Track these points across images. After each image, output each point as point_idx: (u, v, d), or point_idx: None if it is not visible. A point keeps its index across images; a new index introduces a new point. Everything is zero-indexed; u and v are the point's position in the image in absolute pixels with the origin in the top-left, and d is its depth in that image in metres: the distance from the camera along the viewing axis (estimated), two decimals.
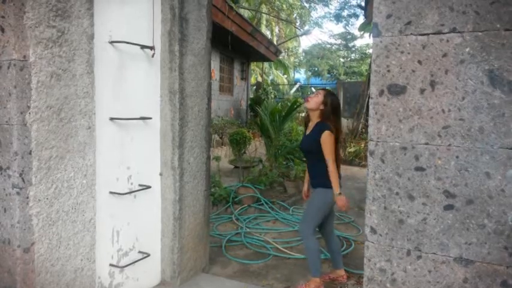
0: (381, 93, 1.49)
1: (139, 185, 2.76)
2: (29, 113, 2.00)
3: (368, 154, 1.54)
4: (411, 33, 1.43)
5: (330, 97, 2.99)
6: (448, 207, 1.41)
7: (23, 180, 1.99)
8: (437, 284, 1.43)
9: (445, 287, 1.42)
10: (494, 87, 1.32)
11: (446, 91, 1.39)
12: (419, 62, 1.43)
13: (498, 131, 1.33)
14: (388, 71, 1.47)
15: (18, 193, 1.99)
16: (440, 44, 1.39)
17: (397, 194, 1.48)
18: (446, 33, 1.38)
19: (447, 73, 1.39)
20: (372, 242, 1.53)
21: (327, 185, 2.89)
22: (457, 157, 1.39)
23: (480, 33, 1.33)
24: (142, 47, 2.68)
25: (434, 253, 1.43)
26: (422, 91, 1.43)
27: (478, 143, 1.36)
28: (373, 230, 1.53)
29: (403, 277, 1.49)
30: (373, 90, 1.51)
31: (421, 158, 1.44)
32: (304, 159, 6.61)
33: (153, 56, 2.77)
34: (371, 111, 1.51)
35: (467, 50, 1.36)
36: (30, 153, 2.01)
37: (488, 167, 1.35)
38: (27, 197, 2.01)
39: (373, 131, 1.51)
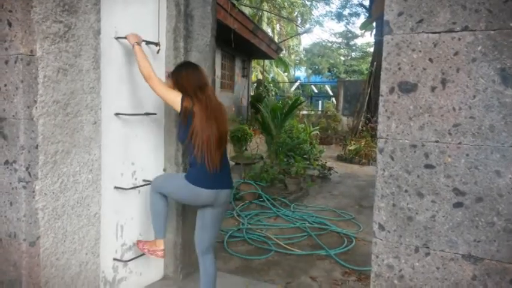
0: (391, 90, 1.49)
1: (144, 181, 2.77)
2: (36, 108, 2.00)
3: (377, 151, 1.54)
4: (423, 31, 1.43)
5: (174, 74, 2.48)
6: (458, 205, 1.41)
7: (29, 174, 2.00)
8: (445, 281, 1.44)
9: (453, 284, 1.43)
10: (506, 85, 1.33)
11: (457, 89, 1.40)
12: (431, 60, 1.43)
13: (509, 129, 1.33)
14: (399, 68, 1.48)
15: (24, 187, 1.99)
16: (452, 42, 1.40)
17: (406, 191, 1.49)
18: (458, 31, 1.38)
19: (458, 71, 1.39)
20: (380, 239, 1.54)
21: (189, 176, 2.41)
22: (467, 155, 1.40)
23: (492, 32, 1.34)
24: (148, 43, 2.68)
25: (443, 250, 1.44)
26: (433, 89, 1.43)
27: (488, 141, 1.36)
28: (382, 227, 1.54)
29: (410, 274, 1.50)
30: (383, 87, 1.51)
31: (430, 155, 1.44)
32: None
33: (158, 52, 2.76)
34: (381, 109, 1.52)
35: (479, 48, 1.36)
36: (36, 148, 2.01)
37: (498, 165, 1.35)
38: (33, 191, 2.01)
39: (382, 128, 1.52)
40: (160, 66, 2.84)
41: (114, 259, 2.59)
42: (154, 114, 2.78)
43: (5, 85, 2.00)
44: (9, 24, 1.96)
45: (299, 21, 23.45)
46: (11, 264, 2.06)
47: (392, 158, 1.51)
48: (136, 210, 2.73)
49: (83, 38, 2.20)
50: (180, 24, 2.83)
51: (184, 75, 2.40)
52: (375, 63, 11.45)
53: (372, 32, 13.17)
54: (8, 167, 2.03)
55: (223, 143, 2.44)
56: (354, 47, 28.77)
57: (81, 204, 2.26)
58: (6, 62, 1.99)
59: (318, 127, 10.63)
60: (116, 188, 2.55)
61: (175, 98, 2.36)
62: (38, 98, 2.00)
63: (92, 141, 2.30)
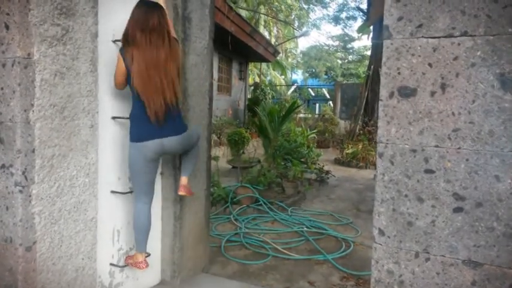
0: (391, 95, 1.49)
1: None
2: (33, 111, 1.98)
3: (377, 156, 1.54)
4: (422, 36, 1.44)
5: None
6: (457, 210, 1.41)
7: (26, 179, 1.98)
8: (445, 286, 1.43)
9: None
10: (505, 90, 1.33)
11: (457, 94, 1.40)
12: (430, 64, 1.43)
13: (508, 134, 1.33)
14: (399, 73, 1.48)
15: (20, 191, 1.97)
16: (451, 47, 1.40)
17: (406, 196, 1.48)
18: (458, 36, 1.39)
19: (458, 76, 1.39)
20: (380, 244, 1.53)
21: (131, 135, 2.42)
22: (466, 160, 1.40)
23: (492, 37, 1.34)
24: None
25: (443, 255, 1.44)
26: (432, 94, 1.43)
27: (488, 146, 1.36)
28: (382, 232, 1.53)
29: (411, 279, 1.49)
30: (383, 92, 1.51)
31: (430, 160, 1.44)
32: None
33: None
34: (380, 113, 1.52)
35: (478, 53, 1.36)
36: (33, 152, 1.99)
37: (498, 170, 1.35)
38: (30, 195, 2.00)
39: (382, 133, 1.52)
40: None
41: (111, 264, 2.57)
42: None
43: (2, 88, 1.98)
44: (7, 27, 1.95)
45: (296, 24, 23.53)
46: (7, 269, 2.04)
47: (392, 163, 1.51)
48: (133, 214, 2.71)
49: (80, 41, 2.19)
50: (178, 27, 2.82)
51: (130, 18, 2.33)
52: (372, 66, 11.49)
53: (369, 35, 13.21)
54: (4, 171, 2.01)
55: (167, 90, 2.34)
56: (351, 50, 28.86)
57: (78, 209, 2.24)
58: (4, 65, 1.97)
59: (315, 130, 10.63)
60: (112, 192, 2.53)
61: (120, 64, 2.34)
62: (35, 102, 1.99)
63: (88, 144, 2.28)
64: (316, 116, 16.55)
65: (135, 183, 2.53)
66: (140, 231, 2.55)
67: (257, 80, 18.50)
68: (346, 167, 9.33)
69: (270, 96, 15.55)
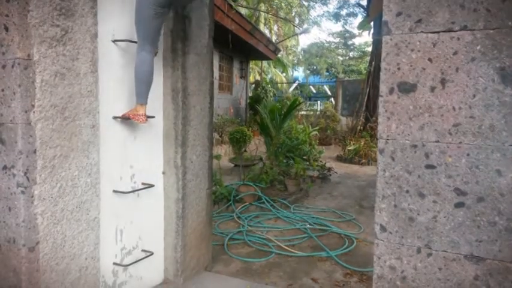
0: (391, 91, 1.49)
1: (143, 184, 2.75)
2: (34, 112, 1.98)
3: (378, 152, 1.54)
4: (421, 31, 1.43)
5: None
6: (459, 205, 1.41)
7: (28, 179, 1.98)
8: (447, 282, 1.43)
9: (455, 284, 1.42)
10: (505, 84, 1.33)
11: (457, 89, 1.39)
12: (430, 59, 1.42)
13: (509, 128, 1.33)
14: (398, 68, 1.47)
15: (23, 192, 1.98)
16: (450, 41, 1.39)
17: (407, 191, 1.48)
18: (457, 31, 1.38)
19: (458, 71, 1.39)
20: (382, 240, 1.53)
21: None
22: (467, 155, 1.39)
23: (491, 31, 1.33)
24: None
25: (445, 250, 1.43)
26: (432, 89, 1.43)
27: (488, 141, 1.36)
28: (383, 228, 1.53)
29: (413, 274, 1.49)
30: (383, 88, 1.50)
31: (431, 155, 1.44)
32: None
33: (155, 54, 2.75)
34: (381, 109, 1.51)
35: (478, 47, 1.36)
36: (34, 152, 2.00)
37: (499, 164, 1.35)
38: (32, 196, 2.00)
39: (383, 129, 1.51)
40: (158, 68, 2.83)
41: (114, 263, 2.58)
42: (153, 117, 2.77)
43: (3, 90, 1.99)
44: (6, 29, 1.95)
45: (297, 22, 23.47)
46: (11, 270, 2.05)
47: (393, 159, 1.50)
48: (135, 213, 2.72)
49: (80, 41, 2.19)
50: (178, 26, 2.82)
51: None
52: (373, 62, 11.47)
53: (369, 31, 13.19)
54: (6, 172, 2.02)
55: None
56: (352, 47, 28.81)
57: (80, 209, 2.25)
58: (4, 67, 1.98)
59: (317, 127, 10.61)
60: (114, 191, 2.54)
61: None
62: (36, 103, 1.99)
63: (90, 145, 2.29)
64: (318, 113, 16.52)
65: (141, 30, 2.43)
66: (143, 82, 2.49)
67: (258, 78, 18.47)
68: (348, 164, 9.33)
69: (271, 94, 15.52)
